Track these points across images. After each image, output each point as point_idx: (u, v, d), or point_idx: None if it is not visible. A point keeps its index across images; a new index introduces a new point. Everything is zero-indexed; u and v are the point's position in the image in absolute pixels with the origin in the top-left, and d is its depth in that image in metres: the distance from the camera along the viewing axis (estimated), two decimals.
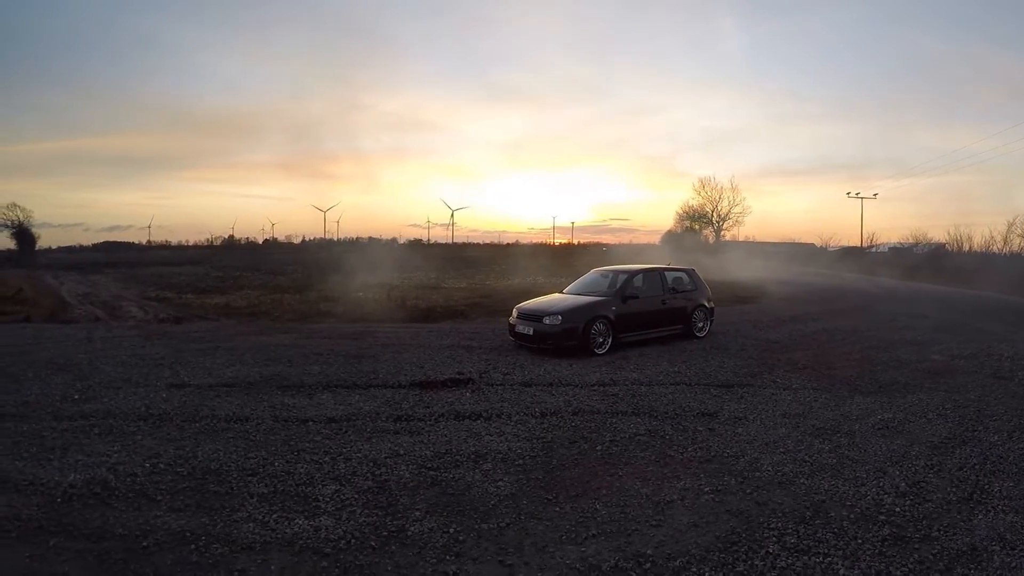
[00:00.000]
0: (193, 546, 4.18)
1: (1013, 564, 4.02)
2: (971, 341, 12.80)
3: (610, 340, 11.32)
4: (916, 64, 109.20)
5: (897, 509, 4.83)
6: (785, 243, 68.22)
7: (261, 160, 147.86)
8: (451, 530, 4.45)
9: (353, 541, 4.28)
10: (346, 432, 6.67)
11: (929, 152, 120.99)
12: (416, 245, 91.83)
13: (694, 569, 3.94)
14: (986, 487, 5.28)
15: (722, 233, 68.24)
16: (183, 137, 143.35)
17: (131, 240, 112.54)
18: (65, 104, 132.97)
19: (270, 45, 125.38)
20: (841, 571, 3.93)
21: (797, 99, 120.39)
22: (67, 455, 5.88)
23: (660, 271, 13.21)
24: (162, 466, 5.63)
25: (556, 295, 13.07)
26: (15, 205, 63.43)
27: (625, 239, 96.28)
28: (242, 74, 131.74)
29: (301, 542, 4.26)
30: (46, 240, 76.06)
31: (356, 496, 5.03)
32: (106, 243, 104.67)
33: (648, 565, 3.99)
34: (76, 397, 7.93)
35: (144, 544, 4.20)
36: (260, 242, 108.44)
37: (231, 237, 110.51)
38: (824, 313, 17.86)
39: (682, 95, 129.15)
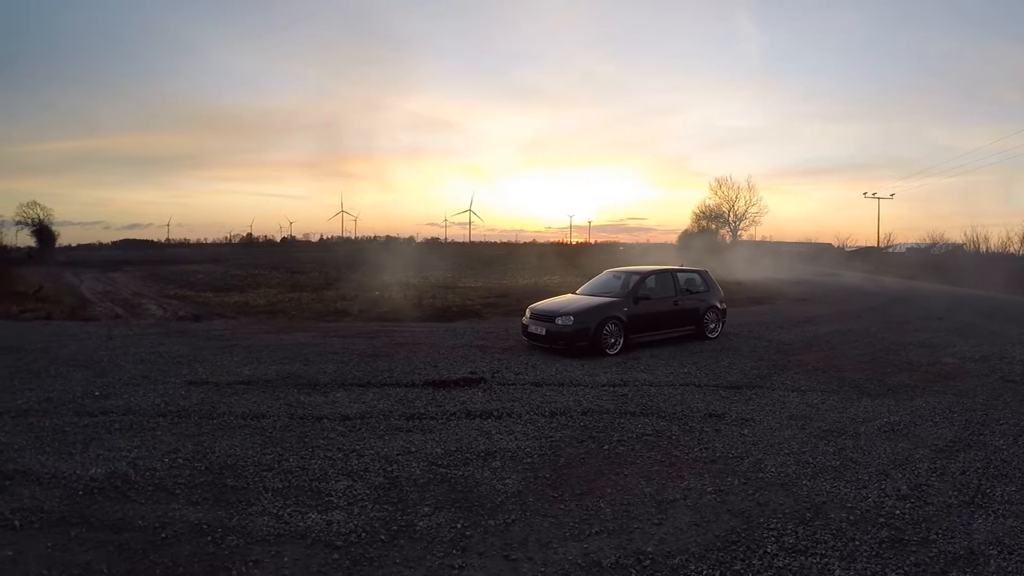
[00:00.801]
0: (209, 538, 4.34)
1: (1009, 569, 4.03)
2: (984, 344, 12.75)
3: (622, 341, 11.37)
4: (934, 63, 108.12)
5: (897, 512, 4.86)
6: (797, 243, 67.78)
7: (280, 159, 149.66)
8: (458, 525, 4.58)
9: (364, 535, 4.41)
10: (359, 429, 6.81)
11: (948, 152, 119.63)
12: (433, 244, 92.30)
13: (692, 567, 4.02)
14: (988, 491, 5.28)
15: (739, 233, 67.97)
16: (202, 136, 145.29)
17: (150, 238, 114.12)
18: (85, 103, 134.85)
19: (289, 45, 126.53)
20: (837, 572, 3.97)
21: (814, 99, 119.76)
22: (88, 450, 6.05)
23: (673, 272, 13.25)
24: (180, 461, 5.80)
25: (569, 296, 13.13)
26: (35, 203, 64.43)
27: (642, 238, 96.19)
28: (261, 73, 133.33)
29: (313, 535, 4.40)
30: (66, 238, 77.18)
31: (368, 492, 5.17)
32: (125, 241, 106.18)
33: (648, 562, 4.08)
34: (97, 394, 8.10)
35: (163, 535, 4.36)
36: (278, 240, 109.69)
37: (249, 235, 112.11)
38: (837, 315, 17.81)
39: (700, 95, 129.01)
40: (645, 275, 12.72)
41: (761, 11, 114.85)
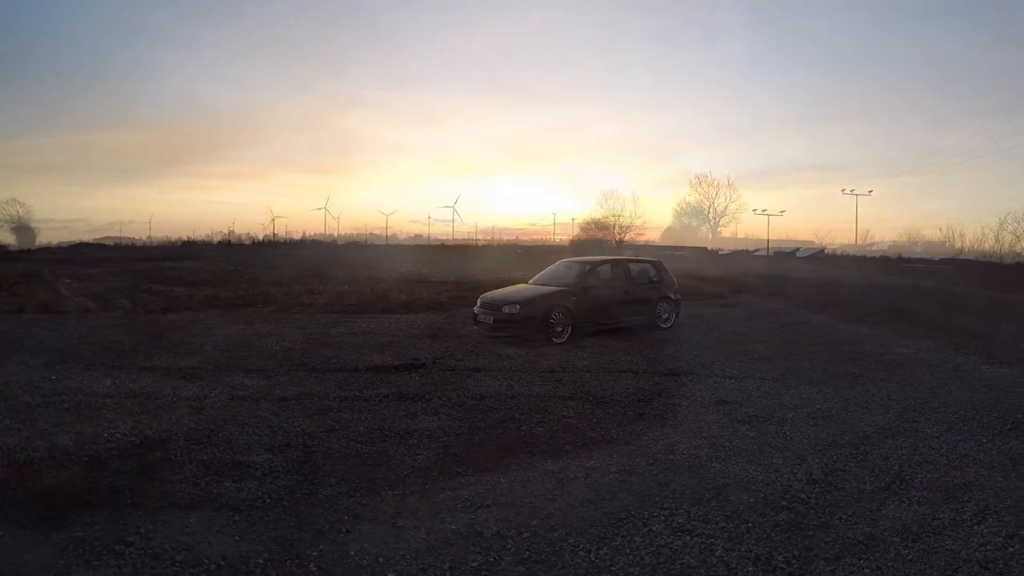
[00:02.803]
0: (129, 501, 4.66)
1: (909, 557, 3.92)
2: (944, 336, 12.52)
3: (569, 329, 11.53)
4: (916, 63, 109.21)
5: (803, 496, 4.82)
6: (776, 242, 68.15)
7: (262, 156, 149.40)
8: (358, 495, 4.84)
9: (268, 501, 4.71)
10: (292, 410, 7.07)
11: (928, 150, 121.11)
12: (415, 241, 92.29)
13: (571, 540, 4.13)
14: (908, 478, 5.21)
15: (719, 230, 68.51)
16: (184, 133, 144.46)
17: (132, 235, 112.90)
18: (66, 100, 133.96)
19: (272, 42, 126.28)
20: (719, 552, 3.96)
21: (799, 98, 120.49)
22: (35, 426, 6.34)
23: (625, 263, 13.59)
24: (118, 436, 6.09)
25: (520, 285, 13.40)
26: (15, 200, 64.17)
27: (625, 236, 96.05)
28: (244, 71, 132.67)
29: (222, 500, 4.70)
30: (46, 236, 76.83)
31: (284, 464, 5.45)
32: (106, 239, 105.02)
33: (527, 534, 4.22)
34: (53, 378, 8.34)
35: (87, 500, 4.68)
36: (260, 238, 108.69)
37: (231, 233, 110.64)
38: (800, 307, 17.92)
39: (686, 93, 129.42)
40: (596, 265, 13.02)
41: (746, 11, 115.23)
